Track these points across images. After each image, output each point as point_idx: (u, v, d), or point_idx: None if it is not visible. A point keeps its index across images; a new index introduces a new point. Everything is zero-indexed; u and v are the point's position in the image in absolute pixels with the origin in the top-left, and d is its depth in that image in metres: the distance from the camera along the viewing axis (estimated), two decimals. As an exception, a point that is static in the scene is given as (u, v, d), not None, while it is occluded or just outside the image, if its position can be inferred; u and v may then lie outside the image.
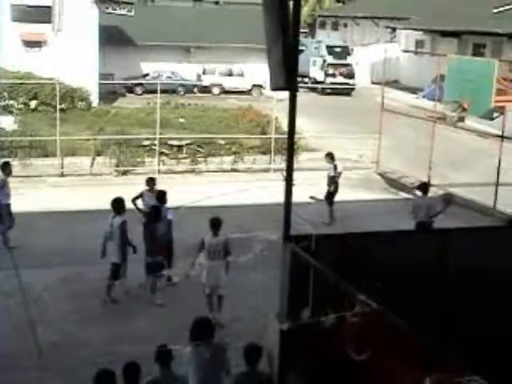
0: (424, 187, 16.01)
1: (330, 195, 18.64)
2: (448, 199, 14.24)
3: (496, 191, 19.22)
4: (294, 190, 7.20)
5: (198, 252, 12.18)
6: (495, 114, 20.25)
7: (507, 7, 38.79)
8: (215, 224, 12.23)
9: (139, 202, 15.08)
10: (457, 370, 4.85)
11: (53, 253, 15.17)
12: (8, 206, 15.39)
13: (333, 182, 18.62)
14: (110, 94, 36.99)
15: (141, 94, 39.39)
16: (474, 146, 27.09)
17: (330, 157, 18.78)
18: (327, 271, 6.33)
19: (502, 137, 20.13)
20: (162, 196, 14.00)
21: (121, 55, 40.39)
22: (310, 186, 19.94)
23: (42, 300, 12.88)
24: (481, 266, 7.78)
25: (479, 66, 20.78)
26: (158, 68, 42.10)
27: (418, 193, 15.91)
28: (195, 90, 42.89)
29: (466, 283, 7.73)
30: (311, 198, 19.82)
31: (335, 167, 18.70)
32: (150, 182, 15.49)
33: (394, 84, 45.22)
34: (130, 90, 40.39)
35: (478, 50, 40.18)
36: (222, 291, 12.27)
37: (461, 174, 23.20)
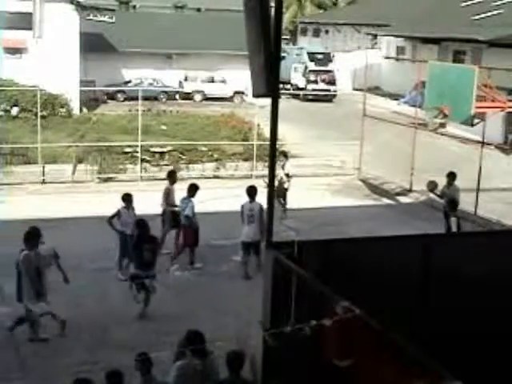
0: (452, 177, 16.65)
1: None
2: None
3: (477, 197, 19.32)
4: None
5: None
6: (476, 120, 20.34)
7: (489, 13, 39.08)
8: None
9: (116, 221, 14.59)
10: (440, 376, 4.86)
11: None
12: (174, 212, 15.56)
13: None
14: (91, 101, 36.85)
15: (122, 101, 39.26)
16: (456, 151, 27.25)
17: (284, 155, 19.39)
18: (310, 277, 6.33)
19: (483, 143, 20.25)
20: (193, 189, 14.94)
21: (102, 62, 40.25)
22: (292, 192, 19.93)
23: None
24: (462, 270, 7.82)
25: (460, 72, 20.88)
26: (139, 75, 42.01)
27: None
28: (177, 96, 42.82)
29: (448, 288, 7.76)
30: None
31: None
32: (127, 198, 14.61)
33: (376, 90, 45.39)
34: (112, 96, 40.27)
35: (458, 57, 40.43)
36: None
37: (442, 179, 23.27)
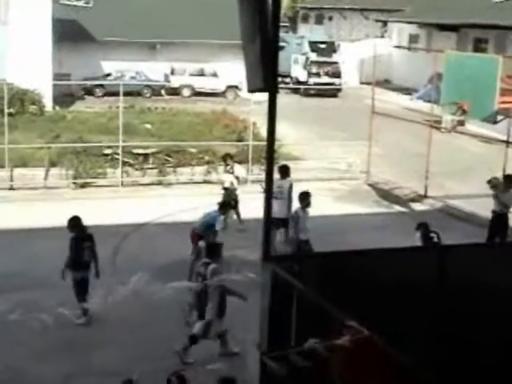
0: (509, 180, 16.92)
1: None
2: None
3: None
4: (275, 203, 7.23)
5: None
6: (499, 117, 20.41)
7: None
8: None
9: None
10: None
11: (2, 277, 15.07)
12: (306, 241, 15.83)
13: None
14: (66, 97, 36.85)
15: (101, 97, 39.31)
16: (476, 152, 27.35)
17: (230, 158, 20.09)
18: (312, 294, 6.36)
19: (507, 142, 20.30)
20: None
21: (79, 53, 40.31)
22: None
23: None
24: (482, 285, 7.86)
25: (481, 62, 21.00)
26: (120, 67, 42.05)
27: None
28: (163, 91, 42.89)
29: (465, 305, 7.81)
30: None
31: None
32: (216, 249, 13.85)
33: (386, 84, 45.55)
34: (90, 91, 40.28)
35: (479, 45, 40.55)
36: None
37: (461, 184, 23.35)
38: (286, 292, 6.80)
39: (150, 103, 35.59)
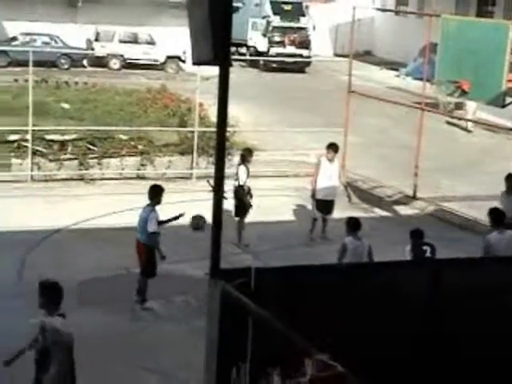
0: None
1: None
2: None
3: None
4: (226, 205, 7.25)
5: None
6: (508, 100, 20.58)
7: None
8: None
9: None
10: None
11: None
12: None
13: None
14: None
15: (5, 67, 38.97)
16: (479, 143, 27.59)
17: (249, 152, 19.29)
18: (272, 318, 6.38)
19: (517, 131, 20.50)
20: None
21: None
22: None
23: None
24: (484, 311, 7.98)
25: (486, 30, 21.10)
26: (30, 29, 41.70)
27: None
28: (85, 62, 42.64)
29: (462, 329, 7.91)
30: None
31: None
32: None
33: (367, 56, 45.81)
34: (-12, 60, 40.01)
35: (484, 9, 40.85)
36: None
37: (459, 182, 23.53)
38: (239, 317, 6.80)
39: (68, 76, 35.28)
